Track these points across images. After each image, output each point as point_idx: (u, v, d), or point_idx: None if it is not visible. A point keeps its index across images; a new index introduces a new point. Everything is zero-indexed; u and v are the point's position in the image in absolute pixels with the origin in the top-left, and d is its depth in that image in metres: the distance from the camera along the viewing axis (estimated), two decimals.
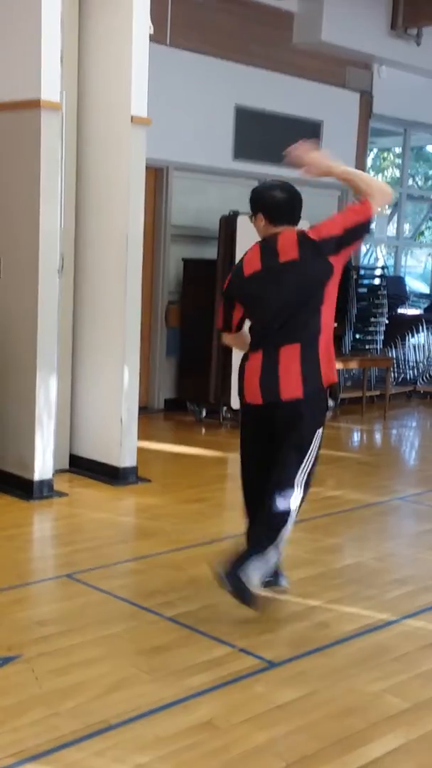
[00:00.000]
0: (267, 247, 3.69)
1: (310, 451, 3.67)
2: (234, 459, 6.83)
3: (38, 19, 5.04)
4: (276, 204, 3.69)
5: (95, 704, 3.00)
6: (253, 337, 3.77)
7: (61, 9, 5.16)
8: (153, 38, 5.72)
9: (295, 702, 3.08)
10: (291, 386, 3.60)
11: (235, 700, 3.09)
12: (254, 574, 3.54)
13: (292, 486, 3.63)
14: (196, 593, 3.99)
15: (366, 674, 3.31)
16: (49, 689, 3.09)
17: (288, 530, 3.65)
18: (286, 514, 3.63)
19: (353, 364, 8.61)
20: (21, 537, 4.78)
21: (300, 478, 3.65)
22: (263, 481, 3.69)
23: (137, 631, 3.59)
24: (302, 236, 3.64)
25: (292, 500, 3.64)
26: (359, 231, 3.65)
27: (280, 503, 3.62)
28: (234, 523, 5.23)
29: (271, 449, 3.70)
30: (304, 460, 3.66)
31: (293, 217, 3.72)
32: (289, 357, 3.61)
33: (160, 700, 3.04)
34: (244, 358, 3.78)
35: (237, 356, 7.30)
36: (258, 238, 3.78)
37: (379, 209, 3.71)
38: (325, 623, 3.75)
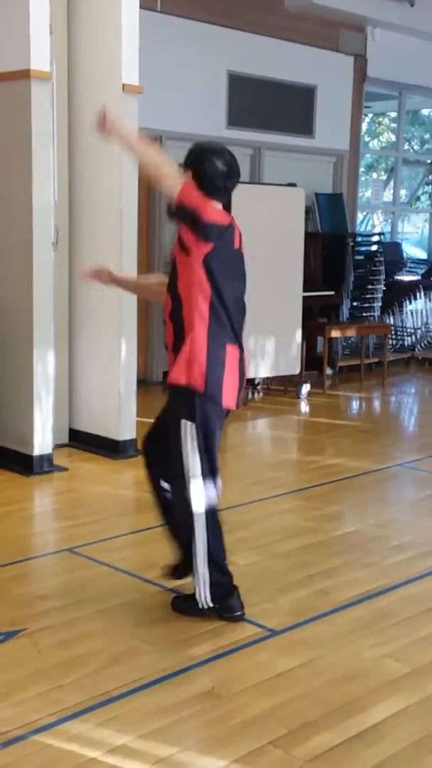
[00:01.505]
0: (236, 225, 3.37)
1: None
2: (233, 429, 6.88)
3: None
4: (215, 176, 3.26)
5: (98, 676, 3.03)
6: (226, 329, 3.30)
7: None
8: (143, 5, 5.64)
9: (297, 669, 3.11)
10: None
11: (237, 669, 3.11)
12: None
13: None
14: None
15: (366, 640, 3.33)
16: (51, 663, 3.11)
17: None
18: None
19: (351, 332, 8.58)
20: (21, 512, 4.79)
21: None
22: None
23: (138, 604, 3.61)
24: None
25: None
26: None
27: None
28: (233, 493, 5.25)
29: None
30: None
31: (227, 198, 3.38)
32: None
33: (162, 670, 3.07)
34: (224, 351, 3.30)
35: None
36: None
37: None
38: (325, 590, 3.77)
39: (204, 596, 3.41)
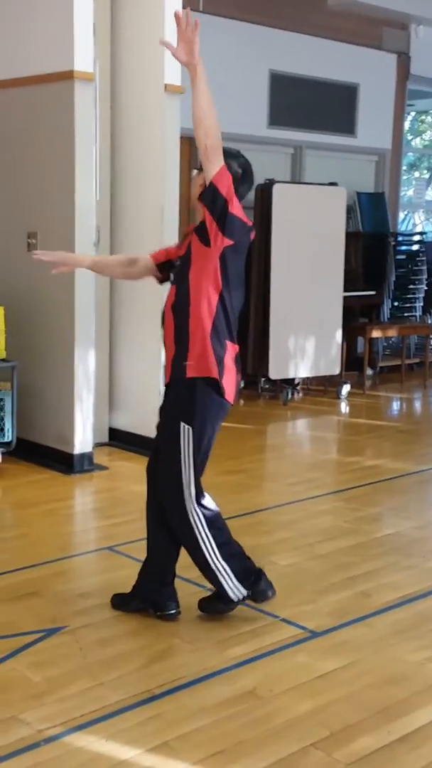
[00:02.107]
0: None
1: None
2: (273, 429, 6.87)
3: None
4: (238, 182, 3.25)
5: (139, 674, 3.04)
6: (229, 325, 3.27)
7: None
8: (185, 5, 5.63)
9: (338, 671, 3.09)
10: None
11: (278, 670, 3.10)
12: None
13: None
14: None
15: (408, 643, 3.30)
16: (93, 660, 3.13)
17: None
18: None
19: (392, 332, 8.51)
20: (62, 511, 4.83)
21: None
22: None
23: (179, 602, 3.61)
24: None
25: None
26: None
27: None
28: (274, 494, 5.25)
29: None
30: None
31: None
32: None
33: (202, 670, 3.07)
34: (225, 347, 3.27)
35: (275, 327, 7.30)
36: None
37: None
38: (366, 593, 3.75)
39: (234, 587, 3.39)
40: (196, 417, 3.27)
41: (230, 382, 3.29)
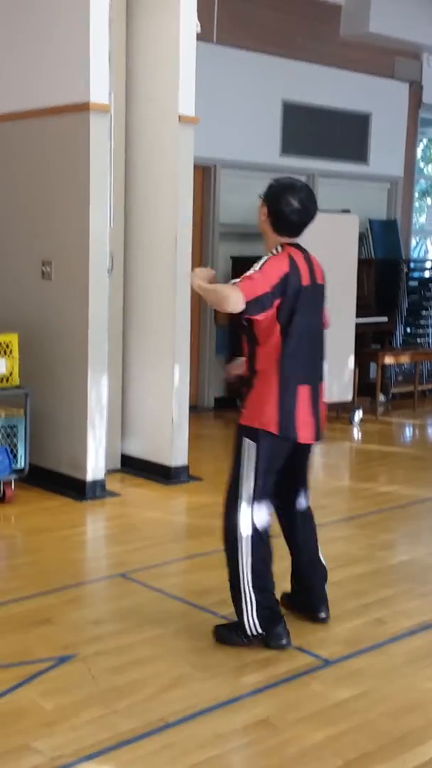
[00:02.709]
0: (308, 260, 3.45)
1: None
2: None
3: (87, 23, 5.07)
4: (290, 212, 3.37)
5: (151, 702, 3.02)
6: (302, 366, 3.42)
7: (108, 10, 5.19)
8: (199, 36, 5.72)
9: (352, 700, 3.07)
10: (324, 424, 3.56)
11: (291, 698, 3.08)
12: None
13: None
14: None
15: (423, 672, 3.28)
16: (105, 688, 3.12)
17: None
18: None
19: (405, 358, 8.51)
20: (75, 537, 4.83)
21: None
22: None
23: (191, 630, 3.60)
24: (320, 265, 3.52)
25: None
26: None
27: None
28: None
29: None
30: None
31: (299, 233, 3.46)
32: (322, 394, 3.53)
33: (215, 698, 3.05)
34: (291, 390, 3.39)
35: None
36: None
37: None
38: (380, 620, 3.72)
39: (251, 621, 3.39)
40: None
41: (302, 422, 3.49)
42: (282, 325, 3.36)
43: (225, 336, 8.19)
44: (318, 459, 6.96)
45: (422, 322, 8.86)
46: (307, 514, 3.73)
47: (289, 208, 3.36)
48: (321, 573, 3.72)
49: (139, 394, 5.99)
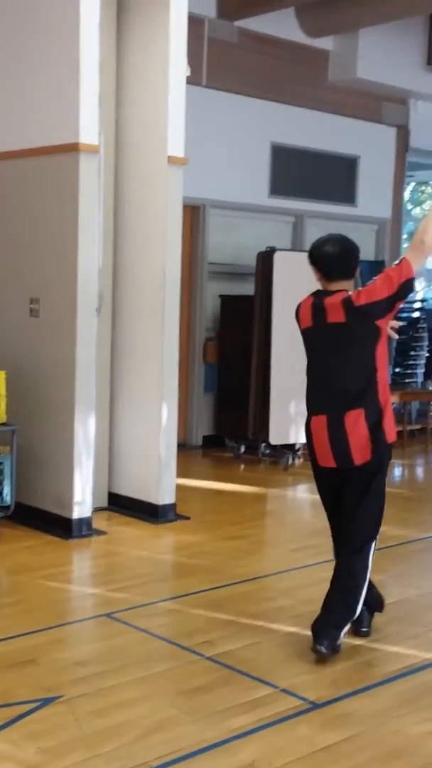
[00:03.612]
0: (316, 304, 3.77)
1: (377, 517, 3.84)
2: (274, 495, 6.83)
3: (76, 64, 5.14)
4: (326, 260, 3.74)
5: (136, 746, 2.97)
6: (314, 398, 3.82)
7: (98, 53, 5.26)
8: (189, 79, 5.80)
9: (340, 744, 3.02)
10: (362, 452, 3.68)
11: (278, 742, 3.03)
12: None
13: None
14: (237, 632, 3.93)
15: (412, 715, 3.23)
16: (89, 731, 3.06)
17: (366, 583, 3.78)
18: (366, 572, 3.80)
19: (394, 398, 8.48)
20: (60, 576, 4.77)
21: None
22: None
23: (177, 671, 3.55)
24: (347, 300, 3.69)
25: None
26: (403, 291, 3.67)
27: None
28: (275, 560, 5.19)
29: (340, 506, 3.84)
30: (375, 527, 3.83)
31: (345, 272, 3.75)
32: (355, 422, 3.66)
33: (201, 741, 3.00)
34: (308, 419, 3.83)
35: (275, 392, 7.31)
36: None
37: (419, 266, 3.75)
38: (368, 663, 3.68)
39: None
40: None
41: (319, 449, 3.84)
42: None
43: (213, 373, 8.20)
44: (307, 498, 6.94)
45: (411, 362, 8.90)
46: (343, 546, 3.81)
47: (312, 259, 3.79)
48: (334, 608, 3.72)
49: (126, 432, 5.97)
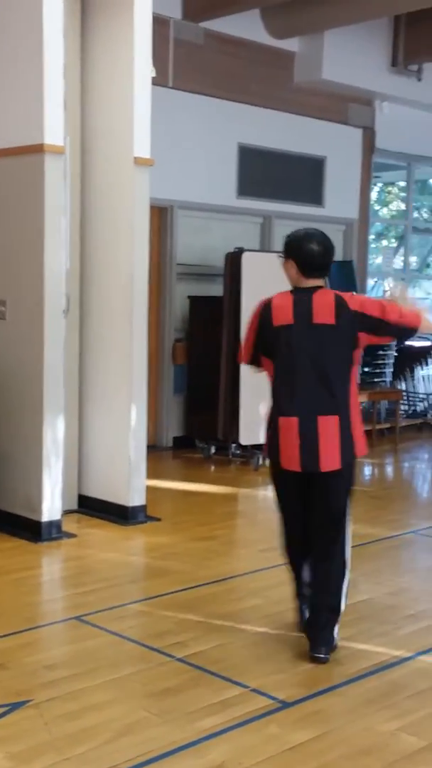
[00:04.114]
0: (301, 302, 3.63)
1: (346, 520, 3.78)
2: (244, 495, 6.84)
3: (41, 65, 5.12)
4: (312, 256, 3.65)
5: (106, 749, 2.96)
6: (284, 400, 3.64)
7: (63, 55, 5.24)
8: (155, 81, 5.80)
9: (310, 743, 3.03)
10: (330, 458, 3.59)
11: (248, 742, 3.03)
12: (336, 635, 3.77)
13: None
14: (208, 633, 3.94)
15: (381, 713, 3.25)
16: (59, 735, 3.04)
17: (346, 584, 3.80)
18: (343, 572, 3.78)
19: (363, 398, 8.57)
20: (30, 580, 4.74)
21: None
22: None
23: (147, 673, 3.54)
24: (340, 301, 3.60)
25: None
26: (395, 332, 3.68)
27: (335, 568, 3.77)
28: (245, 560, 5.20)
29: (305, 510, 3.78)
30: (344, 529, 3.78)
31: (326, 268, 3.71)
32: (329, 427, 3.58)
33: (171, 743, 2.99)
34: (275, 421, 3.66)
35: (245, 392, 7.33)
36: (282, 282, 3.79)
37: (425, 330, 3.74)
38: (338, 661, 3.69)
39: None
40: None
41: (285, 451, 3.68)
42: (270, 362, 3.72)
43: (183, 374, 8.20)
44: None
45: (379, 361, 8.96)
46: (320, 550, 3.75)
47: (311, 253, 3.66)
48: (324, 612, 3.69)
49: (96, 434, 5.95)
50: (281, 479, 3.77)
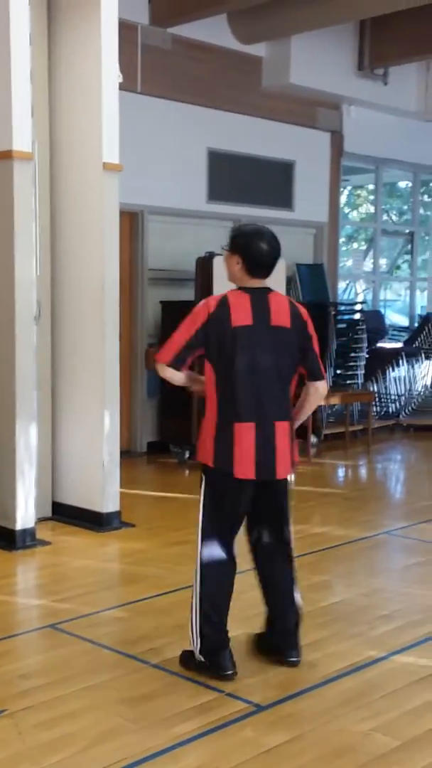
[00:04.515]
0: (258, 302, 3.48)
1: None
2: None
3: (8, 71, 5.11)
4: (261, 256, 3.50)
5: (81, 757, 2.95)
6: (242, 404, 3.46)
7: (30, 60, 5.23)
8: (123, 86, 5.80)
9: (285, 745, 3.04)
10: (285, 464, 3.54)
11: (224, 746, 3.04)
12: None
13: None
14: (183, 638, 3.92)
15: (355, 714, 3.27)
16: (33, 744, 3.03)
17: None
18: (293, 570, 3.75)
19: (335, 400, 8.62)
20: (3, 588, 4.72)
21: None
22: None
23: (122, 680, 3.54)
24: (294, 307, 3.56)
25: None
26: (312, 366, 3.65)
27: (291, 572, 3.73)
28: None
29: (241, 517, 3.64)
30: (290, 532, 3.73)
31: (270, 272, 3.56)
32: (283, 433, 3.52)
33: (146, 750, 2.99)
34: (228, 427, 3.46)
35: None
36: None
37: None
38: (312, 663, 3.71)
39: (196, 647, 3.52)
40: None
41: (240, 458, 3.51)
42: (214, 365, 3.49)
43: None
44: None
45: (351, 363, 9.00)
46: (277, 554, 3.70)
47: (260, 252, 3.49)
48: (292, 615, 3.69)
49: (69, 441, 5.93)
50: (229, 490, 3.51)
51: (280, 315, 3.50)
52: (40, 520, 5.67)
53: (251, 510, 3.62)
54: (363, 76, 9.17)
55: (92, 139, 5.63)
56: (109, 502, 5.75)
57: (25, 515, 5.33)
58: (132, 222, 7.98)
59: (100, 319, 5.70)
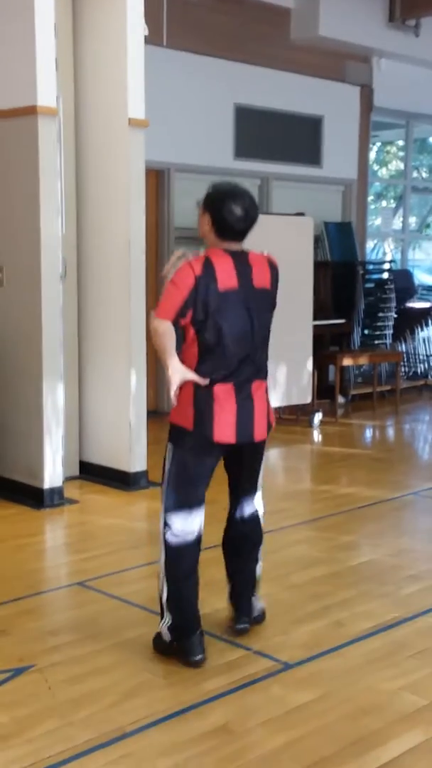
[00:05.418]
0: (240, 264, 3.31)
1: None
2: None
3: (32, 25, 5.03)
4: (233, 220, 3.26)
5: (110, 712, 2.98)
6: (218, 366, 3.30)
7: (54, 14, 5.14)
8: (149, 40, 5.69)
9: (311, 703, 3.05)
10: (262, 427, 3.40)
11: (251, 704, 3.06)
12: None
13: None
14: (209, 596, 3.92)
15: (382, 672, 3.27)
16: (62, 699, 3.06)
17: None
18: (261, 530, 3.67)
19: (363, 360, 8.55)
20: (32, 546, 4.76)
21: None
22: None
23: (150, 637, 3.55)
24: (272, 266, 3.42)
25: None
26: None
27: (258, 530, 3.65)
28: None
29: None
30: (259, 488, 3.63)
31: (243, 237, 3.34)
32: (261, 394, 3.39)
33: (174, 705, 3.02)
34: (207, 391, 3.30)
35: None
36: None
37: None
38: (340, 622, 3.71)
39: (164, 628, 3.37)
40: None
41: (219, 422, 3.34)
42: (196, 328, 3.29)
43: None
44: (278, 462, 6.96)
45: (380, 323, 8.91)
46: (248, 522, 3.59)
47: (231, 215, 3.25)
48: (249, 583, 3.62)
49: (96, 400, 5.94)
50: (205, 454, 3.35)
51: (261, 277, 3.36)
52: (68, 479, 5.70)
53: (230, 478, 3.53)
54: (394, 28, 8.94)
55: (117, 94, 5.54)
56: (136, 462, 5.76)
57: (53, 474, 5.35)
58: (158, 180, 7.90)
59: (126, 278, 5.66)
